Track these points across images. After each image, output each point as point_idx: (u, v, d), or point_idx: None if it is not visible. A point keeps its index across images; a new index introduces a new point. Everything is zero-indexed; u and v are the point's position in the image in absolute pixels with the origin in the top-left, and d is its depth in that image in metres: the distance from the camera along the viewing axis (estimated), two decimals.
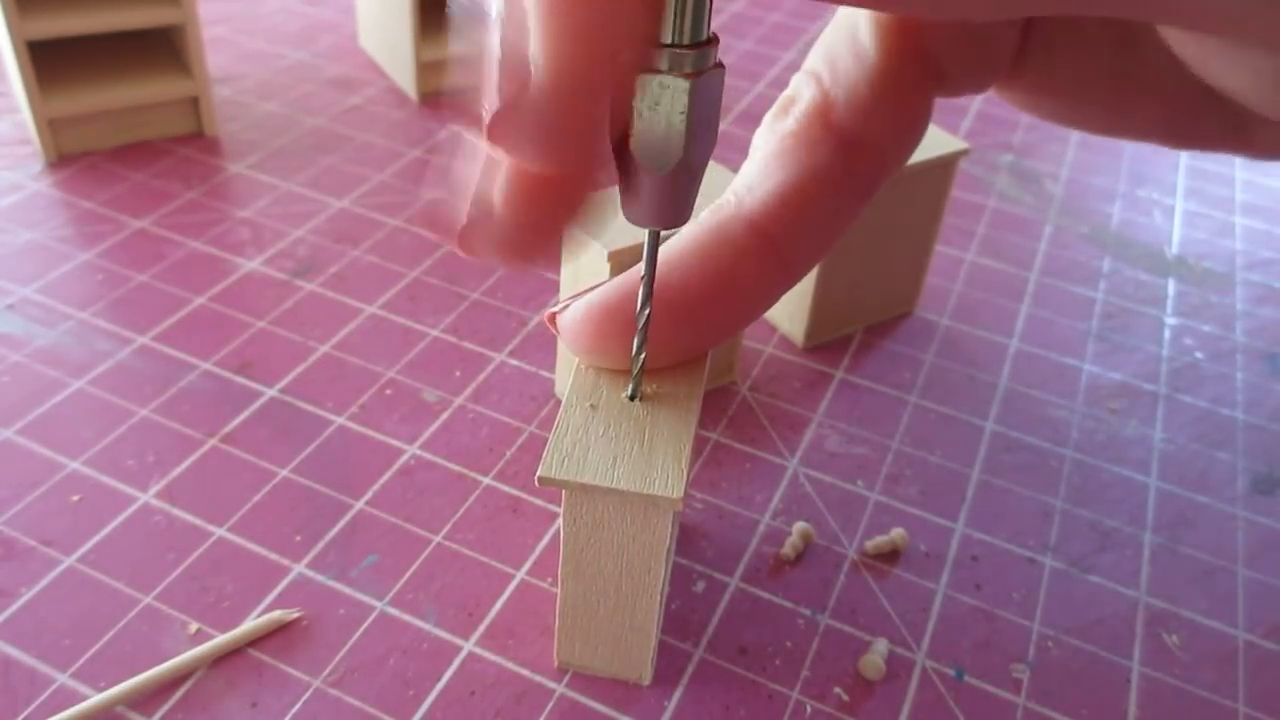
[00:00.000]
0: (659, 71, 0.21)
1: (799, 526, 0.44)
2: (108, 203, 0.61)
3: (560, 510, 0.35)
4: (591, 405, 0.27)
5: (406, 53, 0.73)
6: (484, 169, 0.23)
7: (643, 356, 0.26)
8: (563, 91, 0.19)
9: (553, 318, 0.28)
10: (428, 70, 0.74)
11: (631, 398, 0.27)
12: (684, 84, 0.21)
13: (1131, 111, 0.23)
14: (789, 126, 0.26)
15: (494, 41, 0.20)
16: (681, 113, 0.21)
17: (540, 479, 0.25)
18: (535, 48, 0.19)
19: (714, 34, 0.22)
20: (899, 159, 0.27)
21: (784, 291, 0.28)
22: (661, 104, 0.21)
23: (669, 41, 0.21)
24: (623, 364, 0.27)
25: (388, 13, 0.74)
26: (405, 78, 0.75)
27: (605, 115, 0.21)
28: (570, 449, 0.26)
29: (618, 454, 0.25)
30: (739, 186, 0.27)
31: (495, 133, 0.21)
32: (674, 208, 0.23)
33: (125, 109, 0.65)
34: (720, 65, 0.22)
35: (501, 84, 0.20)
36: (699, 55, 0.21)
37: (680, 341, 0.27)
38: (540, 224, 0.23)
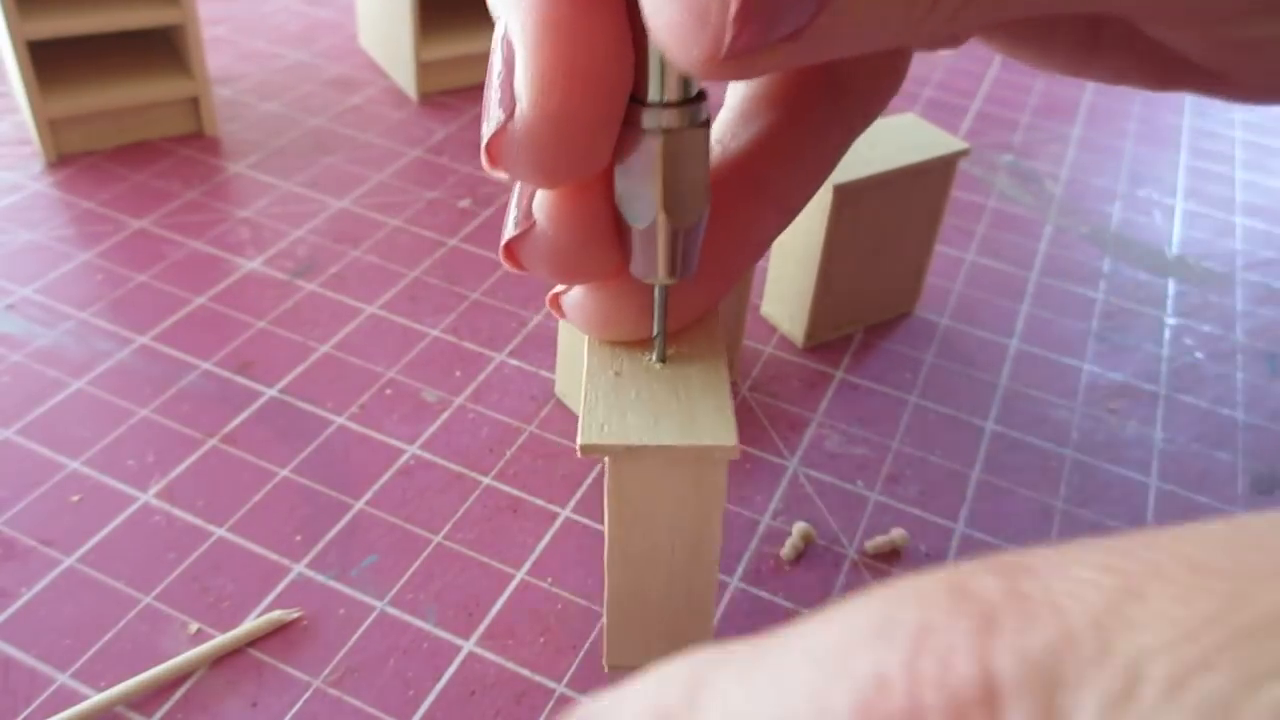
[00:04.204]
0: (634, 125, 0.21)
1: (799, 527, 0.43)
2: (108, 203, 0.61)
3: (557, 510, 0.35)
4: (615, 373, 0.26)
5: (406, 53, 0.73)
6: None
7: (664, 322, 0.26)
8: (545, 125, 0.19)
9: (556, 300, 0.28)
10: (428, 70, 0.74)
11: (660, 360, 0.26)
12: (655, 143, 0.21)
13: (1103, 56, 0.23)
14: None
15: (492, 65, 0.20)
16: (653, 172, 0.21)
17: (583, 447, 0.23)
18: (519, 80, 0.19)
19: (702, 90, 0.21)
20: (881, 102, 0.26)
21: (781, 229, 0.27)
22: (634, 158, 0.21)
23: (651, 99, 0.21)
24: (637, 335, 0.26)
25: (388, 13, 0.74)
26: (405, 78, 0.75)
27: (599, 143, 0.21)
28: (606, 415, 0.24)
29: (658, 414, 0.24)
30: (721, 135, 0.27)
31: (491, 154, 0.21)
32: (664, 262, 0.23)
33: (125, 109, 0.65)
34: (706, 124, 0.22)
35: (494, 108, 0.20)
36: (678, 113, 0.21)
37: (688, 297, 0.27)
38: (577, 234, 0.23)
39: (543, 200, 0.22)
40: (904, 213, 0.53)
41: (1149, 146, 0.79)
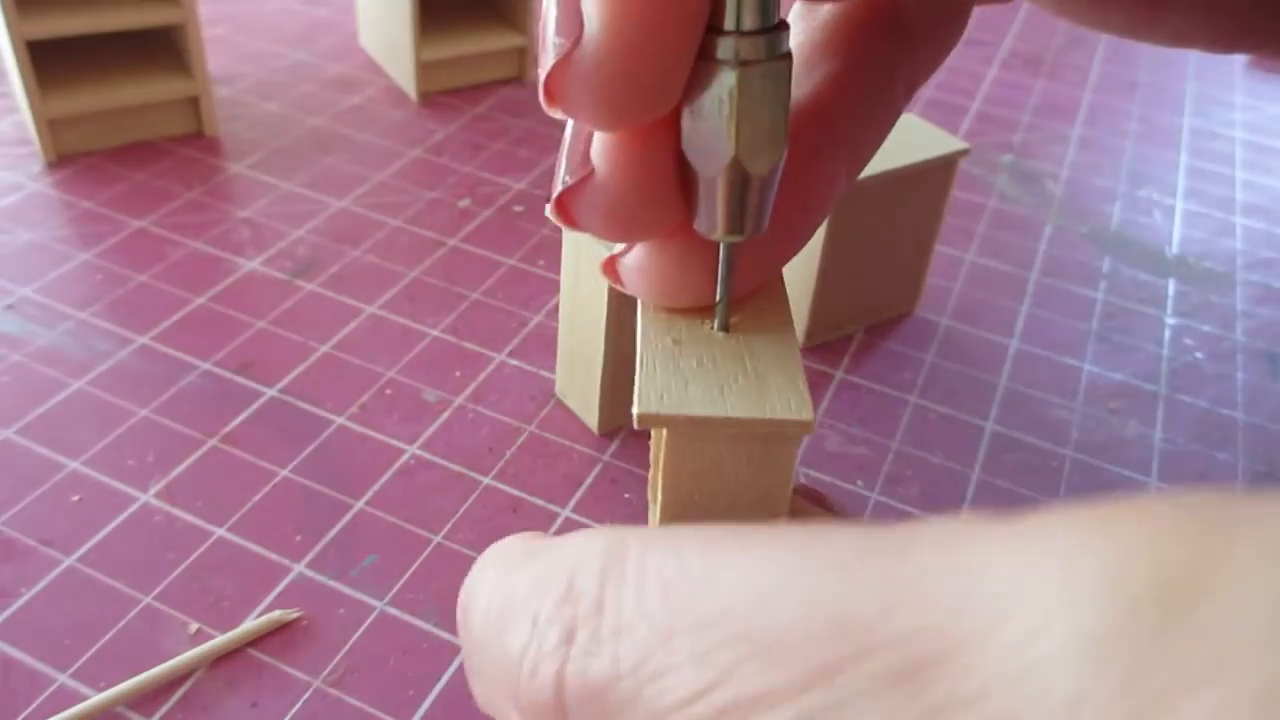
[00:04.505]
0: (710, 58, 0.19)
1: None
2: (108, 203, 0.61)
3: (557, 510, 0.35)
4: (674, 340, 0.23)
5: (406, 53, 0.73)
6: (575, 128, 0.21)
7: (729, 286, 0.23)
8: (618, 50, 0.18)
9: (612, 264, 0.25)
10: (428, 70, 0.74)
11: (722, 328, 0.24)
12: (731, 74, 0.19)
13: (1165, 11, 0.21)
14: (831, 14, 0.24)
15: None
16: (727, 108, 0.19)
17: (640, 416, 0.21)
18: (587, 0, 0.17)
19: (783, 20, 0.19)
20: (946, 48, 0.24)
21: (851, 184, 0.25)
22: (708, 95, 0.19)
23: (727, 26, 0.19)
24: (702, 300, 0.24)
25: (388, 13, 0.74)
26: (405, 78, 0.75)
27: (675, 74, 0.19)
28: (666, 384, 0.22)
29: (724, 383, 0.22)
30: None
31: (550, 89, 0.19)
32: (734, 216, 0.21)
33: (125, 109, 0.65)
34: (787, 55, 0.20)
35: (554, 38, 0.19)
36: (756, 42, 0.19)
37: (754, 257, 0.24)
38: (642, 183, 0.21)
39: (603, 145, 0.21)
40: (904, 213, 0.53)
41: (1149, 146, 0.79)
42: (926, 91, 0.83)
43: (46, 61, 0.64)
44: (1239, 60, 0.95)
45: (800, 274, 0.53)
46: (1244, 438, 0.52)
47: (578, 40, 0.18)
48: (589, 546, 0.14)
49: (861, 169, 0.25)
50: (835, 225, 0.50)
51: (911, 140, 0.52)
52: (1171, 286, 0.63)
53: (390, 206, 0.62)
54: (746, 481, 0.23)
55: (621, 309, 0.43)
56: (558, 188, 0.21)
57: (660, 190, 0.21)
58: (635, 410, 0.21)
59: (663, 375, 0.22)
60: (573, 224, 0.22)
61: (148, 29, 0.67)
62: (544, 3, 0.19)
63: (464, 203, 0.63)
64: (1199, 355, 0.57)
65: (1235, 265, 0.66)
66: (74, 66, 0.65)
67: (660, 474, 0.23)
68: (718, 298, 0.24)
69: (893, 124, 0.25)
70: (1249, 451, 0.51)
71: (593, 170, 0.21)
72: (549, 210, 0.22)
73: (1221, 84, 0.90)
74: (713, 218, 0.21)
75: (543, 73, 0.19)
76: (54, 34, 0.61)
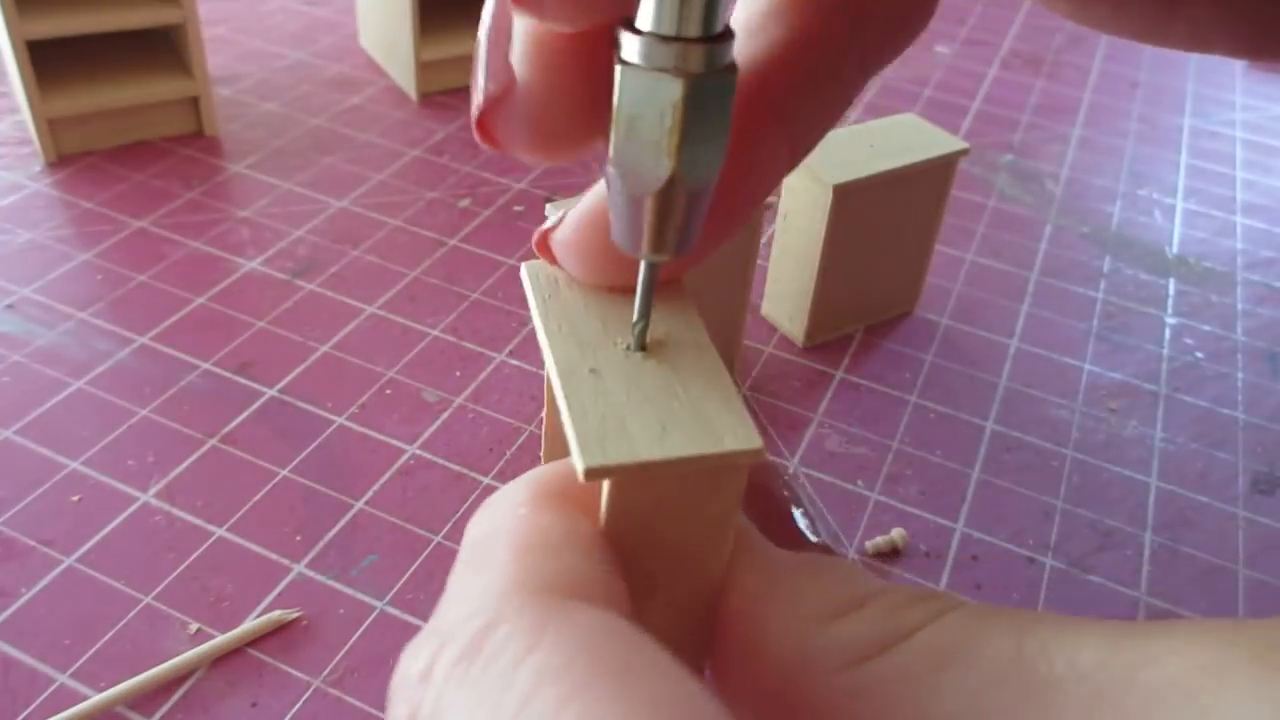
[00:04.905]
0: (652, 65, 0.16)
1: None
2: (108, 203, 0.61)
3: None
4: (592, 371, 0.21)
5: (406, 53, 0.73)
6: (496, 28, 0.19)
7: (649, 304, 0.21)
8: (536, 97, 0.17)
9: (545, 238, 0.23)
10: (428, 70, 0.74)
11: (639, 348, 0.22)
12: (675, 85, 0.16)
13: (1184, 12, 0.19)
14: None
15: None
16: (670, 121, 0.17)
17: (587, 471, 0.19)
18: None
19: (728, 27, 0.17)
20: (907, 36, 0.22)
21: (792, 168, 0.22)
22: (646, 107, 0.17)
23: (664, 30, 0.16)
24: (632, 278, 0.22)
25: (388, 13, 0.74)
26: (405, 78, 0.75)
27: (601, 105, 0.18)
28: (600, 426, 0.20)
29: (662, 418, 0.20)
30: None
31: (483, 129, 0.18)
32: (661, 234, 0.18)
33: (125, 109, 0.65)
34: (733, 66, 0.17)
35: (484, 83, 0.18)
36: (702, 51, 0.16)
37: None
38: (573, 91, 0.18)
39: (524, 52, 0.19)
40: (904, 213, 0.53)
41: (1149, 146, 0.79)
42: (926, 91, 0.83)
43: (46, 61, 0.64)
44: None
45: (800, 274, 0.53)
46: (1244, 437, 0.52)
47: (506, 86, 0.17)
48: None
49: (805, 153, 0.22)
50: (835, 225, 0.50)
51: (911, 140, 0.52)
52: (1172, 286, 0.63)
53: (390, 206, 0.62)
54: (694, 510, 0.21)
55: None
56: (478, 100, 0.19)
57: (584, 98, 0.19)
58: (580, 464, 0.19)
59: (595, 416, 0.20)
60: (495, 141, 0.20)
61: (148, 29, 0.67)
62: (478, 42, 0.18)
63: (464, 203, 0.63)
64: (1199, 355, 0.57)
65: (1235, 265, 0.66)
66: (74, 66, 0.65)
67: (605, 518, 0.21)
68: (635, 317, 0.21)
69: (844, 107, 0.22)
70: (1249, 451, 0.51)
71: (513, 79, 0.19)
72: (475, 132, 0.20)
73: (1221, 84, 0.90)
74: (636, 235, 0.19)
75: (475, 112, 0.18)
76: (54, 34, 0.61)
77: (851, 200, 0.50)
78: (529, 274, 0.23)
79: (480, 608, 0.15)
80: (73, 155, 0.64)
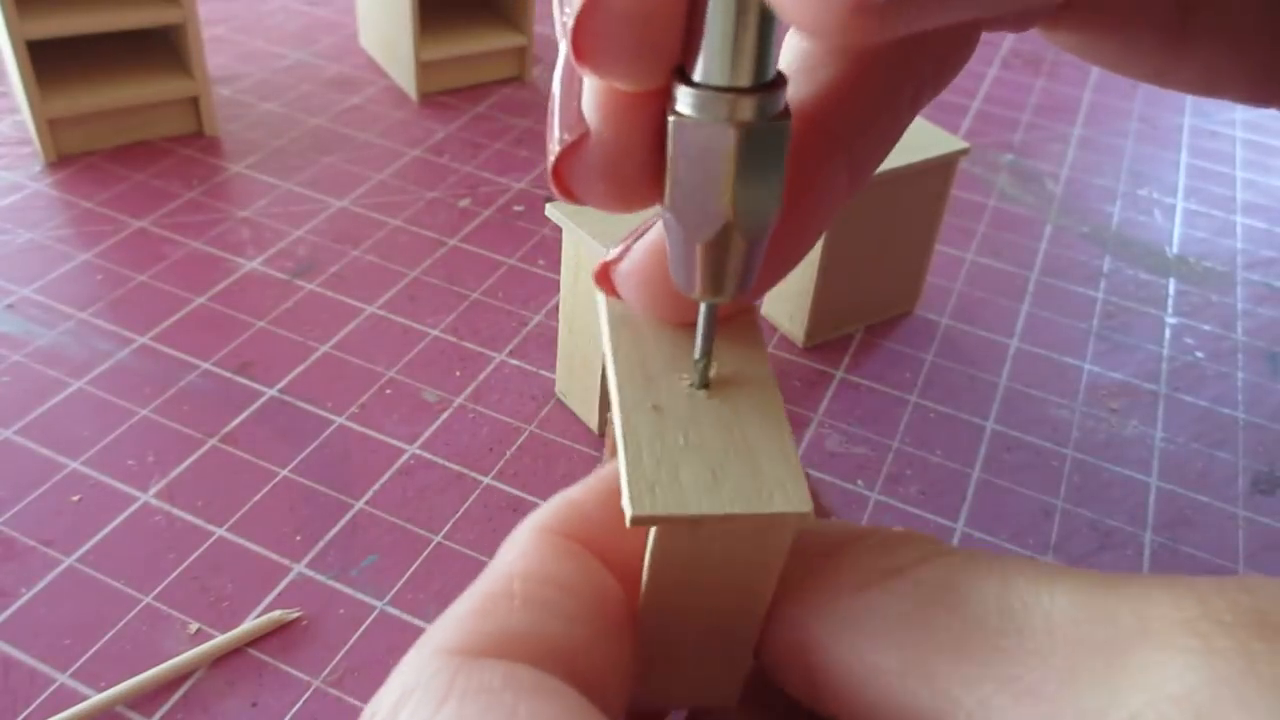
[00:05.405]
0: (712, 118, 0.17)
1: None
2: (108, 203, 0.61)
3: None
4: (654, 407, 0.21)
5: (406, 53, 0.73)
6: (568, 76, 0.19)
7: (709, 344, 0.21)
8: (610, 147, 0.17)
9: (606, 270, 0.23)
10: (428, 70, 0.74)
11: (702, 385, 0.22)
12: (730, 133, 0.17)
13: (1194, 53, 0.19)
14: None
15: None
16: (728, 168, 0.17)
17: (634, 519, 0.19)
18: None
19: (780, 73, 0.17)
20: (953, 69, 0.23)
21: (849, 199, 0.24)
22: (703, 152, 0.17)
23: (716, 81, 0.16)
24: (695, 314, 0.22)
25: (388, 13, 0.74)
26: (405, 78, 0.75)
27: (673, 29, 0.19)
28: (655, 471, 0.19)
29: (715, 467, 0.20)
30: None
31: (559, 178, 0.18)
32: (717, 277, 0.19)
33: (125, 109, 0.65)
34: (786, 112, 0.17)
35: (560, 133, 0.18)
36: (755, 100, 0.17)
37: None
38: (639, 141, 0.19)
39: (597, 102, 0.19)
40: (904, 212, 0.53)
41: (1149, 146, 0.79)
42: None
43: (46, 61, 0.64)
44: None
45: (800, 274, 0.53)
46: (1244, 437, 0.52)
47: (579, 136, 0.18)
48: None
49: (863, 184, 0.22)
50: (835, 225, 0.50)
51: (911, 140, 0.52)
52: (1172, 286, 0.63)
53: (390, 206, 0.62)
54: (741, 560, 0.21)
55: None
56: (553, 150, 0.19)
57: (655, 148, 0.19)
58: (629, 511, 0.19)
59: (650, 460, 0.20)
60: (569, 192, 0.20)
61: (148, 29, 0.67)
62: (553, 93, 0.18)
63: (464, 202, 0.63)
64: (1199, 355, 0.57)
65: (1235, 264, 0.66)
66: (74, 66, 0.65)
67: (648, 562, 0.21)
68: (696, 355, 0.21)
69: (897, 138, 0.22)
70: (1249, 451, 0.51)
71: (586, 129, 0.19)
72: (550, 182, 0.19)
73: None
74: (693, 278, 0.19)
75: (550, 161, 0.18)
76: (54, 34, 0.61)
77: (851, 200, 0.50)
78: (604, 298, 0.24)
79: (405, 674, 0.15)
80: (73, 155, 0.64)
